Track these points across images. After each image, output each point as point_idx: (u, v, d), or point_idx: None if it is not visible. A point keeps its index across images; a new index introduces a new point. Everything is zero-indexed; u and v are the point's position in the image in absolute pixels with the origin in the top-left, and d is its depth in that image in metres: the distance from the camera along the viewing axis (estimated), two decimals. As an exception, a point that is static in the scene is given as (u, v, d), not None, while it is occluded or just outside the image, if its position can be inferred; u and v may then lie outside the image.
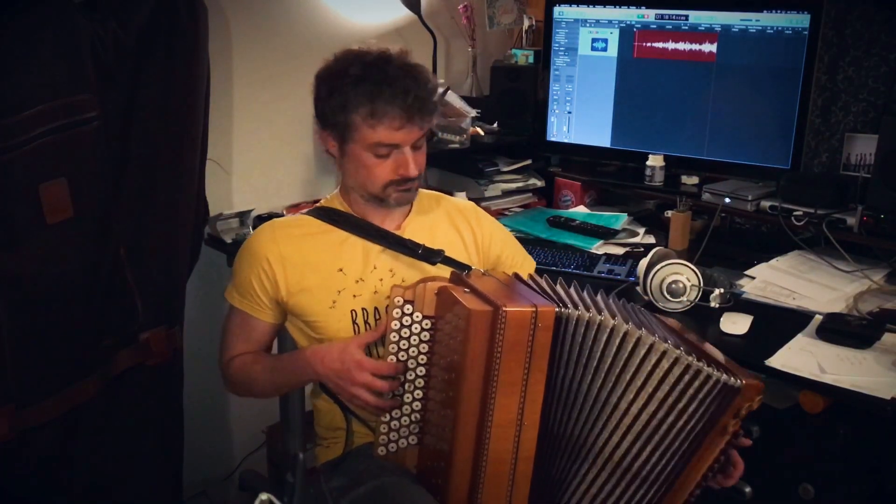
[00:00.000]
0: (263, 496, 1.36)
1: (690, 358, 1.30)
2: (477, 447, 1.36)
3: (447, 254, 1.60)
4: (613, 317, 1.34)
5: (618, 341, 1.33)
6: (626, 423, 1.34)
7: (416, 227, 1.63)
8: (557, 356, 1.35)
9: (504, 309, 1.30)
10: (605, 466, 1.37)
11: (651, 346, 1.31)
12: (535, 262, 1.80)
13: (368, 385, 1.42)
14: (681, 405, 1.31)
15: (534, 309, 1.32)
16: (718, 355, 1.37)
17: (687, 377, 1.30)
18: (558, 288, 1.45)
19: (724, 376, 1.30)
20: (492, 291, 1.38)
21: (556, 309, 1.34)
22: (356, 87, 1.45)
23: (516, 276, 1.54)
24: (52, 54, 1.59)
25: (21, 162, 1.56)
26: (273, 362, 1.58)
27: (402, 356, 1.43)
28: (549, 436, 1.38)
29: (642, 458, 1.35)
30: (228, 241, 2.20)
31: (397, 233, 1.60)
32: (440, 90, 1.85)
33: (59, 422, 1.73)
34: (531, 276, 1.53)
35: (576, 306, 1.36)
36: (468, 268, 1.57)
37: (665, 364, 1.31)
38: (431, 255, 1.58)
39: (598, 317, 1.34)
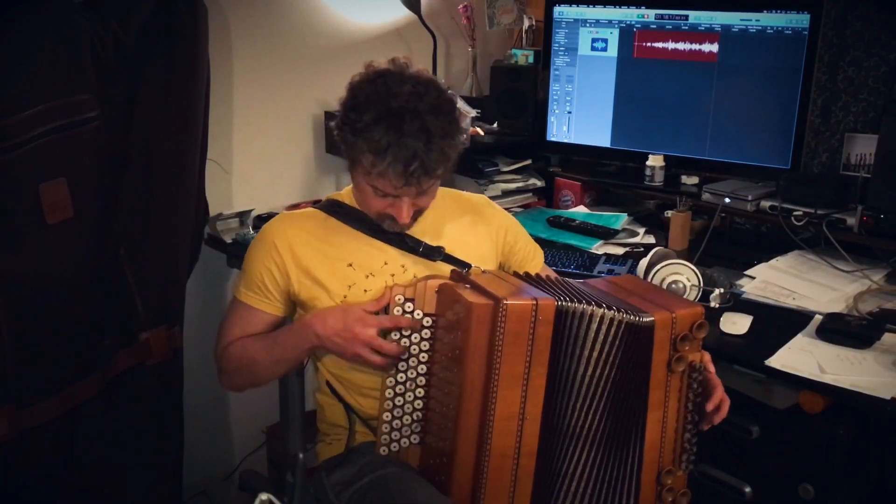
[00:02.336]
0: (263, 496, 1.37)
1: (612, 311, 1.38)
2: (479, 442, 1.36)
3: (462, 250, 1.60)
4: (600, 305, 1.37)
5: (605, 329, 1.37)
6: (584, 393, 1.39)
7: (427, 224, 1.61)
8: (558, 349, 1.36)
9: (505, 302, 1.32)
10: (581, 442, 1.41)
11: (610, 319, 1.38)
12: (542, 252, 1.80)
13: (371, 341, 1.41)
14: (611, 359, 1.39)
15: (534, 302, 1.33)
16: (657, 296, 1.46)
17: (613, 329, 1.38)
18: (560, 283, 1.46)
19: (630, 317, 1.37)
20: (492, 286, 1.39)
21: (557, 302, 1.35)
22: (365, 134, 1.40)
23: (516, 273, 1.55)
24: (52, 54, 1.59)
25: (21, 162, 1.57)
26: (272, 337, 1.57)
27: (403, 354, 1.44)
28: (550, 429, 1.39)
29: (595, 421, 1.40)
30: (228, 241, 2.20)
31: (408, 231, 1.58)
32: (464, 134, 1.82)
33: (58, 422, 1.73)
34: (527, 273, 1.54)
35: (578, 300, 1.37)
36: (468, 265, 1.57)
37: (603, 327, 1.39)
38: (432, 253, 1.58)
39: (599, 310, 1.36)
